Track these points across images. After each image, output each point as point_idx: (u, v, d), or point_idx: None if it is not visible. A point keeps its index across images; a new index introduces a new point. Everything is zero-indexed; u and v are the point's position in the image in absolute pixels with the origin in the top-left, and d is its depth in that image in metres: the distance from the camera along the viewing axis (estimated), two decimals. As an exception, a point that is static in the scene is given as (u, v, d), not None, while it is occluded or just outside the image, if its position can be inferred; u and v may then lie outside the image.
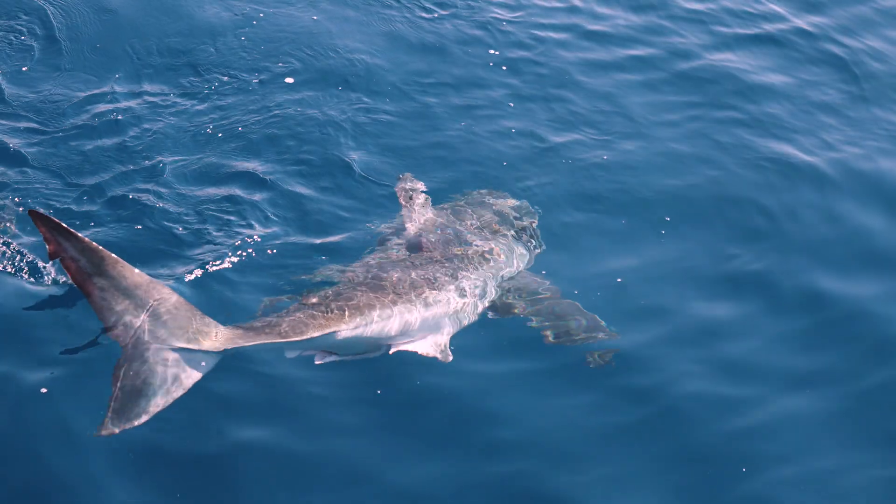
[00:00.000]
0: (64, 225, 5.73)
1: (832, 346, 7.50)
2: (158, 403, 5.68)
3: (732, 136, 10.01)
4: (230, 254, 7.36)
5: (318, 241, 7.73)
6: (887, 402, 7.14)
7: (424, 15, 11.13)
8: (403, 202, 8.10)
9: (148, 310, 5.81)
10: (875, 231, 8.92)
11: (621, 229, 8.46)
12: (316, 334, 6.10)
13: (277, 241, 7.61)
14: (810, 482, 6.52)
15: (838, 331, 7.66)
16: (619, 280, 7.76)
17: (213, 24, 10.39)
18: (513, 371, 6.89)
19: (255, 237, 7.60)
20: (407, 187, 8.31)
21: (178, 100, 9.16)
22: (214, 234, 7.64)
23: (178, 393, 5.75)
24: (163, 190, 7.98)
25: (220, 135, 8.79)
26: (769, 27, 12.16)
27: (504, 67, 10.51)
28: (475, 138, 9.36)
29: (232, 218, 7.80)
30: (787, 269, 8.24)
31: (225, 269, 7.23)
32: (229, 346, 5.86)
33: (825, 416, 6.95)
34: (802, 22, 12.30)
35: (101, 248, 5.79)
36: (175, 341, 5.78)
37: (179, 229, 7.59)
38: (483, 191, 8.40)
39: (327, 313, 6.23)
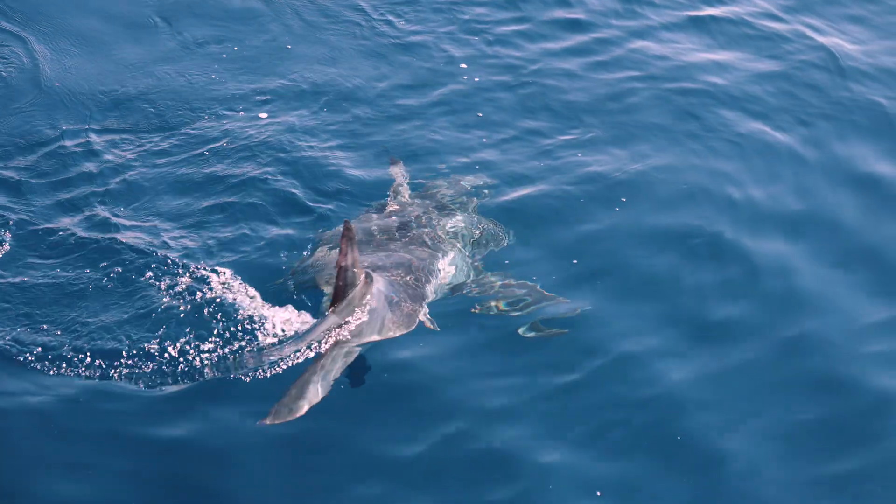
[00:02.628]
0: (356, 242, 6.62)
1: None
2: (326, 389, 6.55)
3: (696, 116, 10.59)
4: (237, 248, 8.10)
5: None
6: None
7: (392, 32, 11.55)
8: (394, 179, 8.98)
9: (358, 308, 6.78)
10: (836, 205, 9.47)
11: (580, 210, 9.03)
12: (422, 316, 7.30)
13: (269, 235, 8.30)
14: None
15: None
16: (574, 262, 8.33)
17: (188, 57, 10.78)
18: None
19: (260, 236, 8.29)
20: (397, 170, 9.14)
21: (159, 131, 9.51)
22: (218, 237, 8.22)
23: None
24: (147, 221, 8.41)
25: (207, 160, 9.16)
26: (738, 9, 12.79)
27: (473, 77, 10.93)
28: (447, 140, 9.90)
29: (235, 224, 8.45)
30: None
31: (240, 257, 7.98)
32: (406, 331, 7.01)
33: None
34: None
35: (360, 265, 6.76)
36: (371, 336, 6.81)
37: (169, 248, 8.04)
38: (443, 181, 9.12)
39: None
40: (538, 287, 7.78)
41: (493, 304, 7.64)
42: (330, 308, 6.81)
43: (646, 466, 6.74)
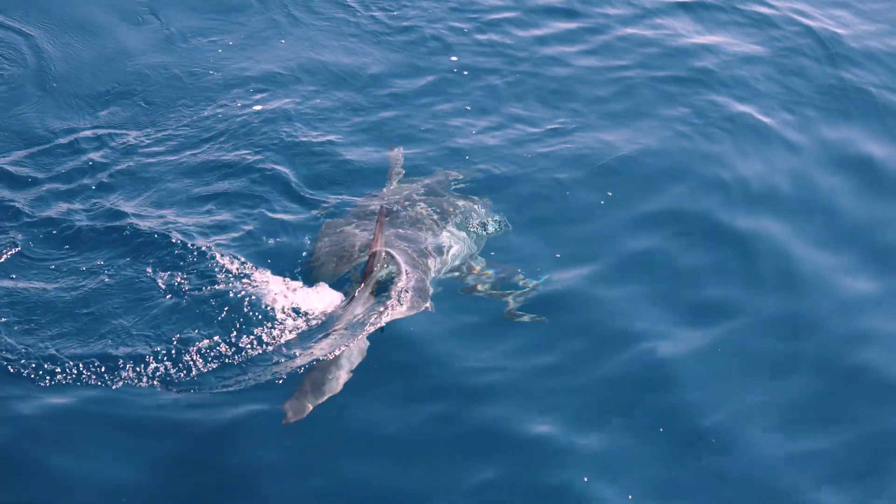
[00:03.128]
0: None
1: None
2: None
3: (674, 100, 10.71)
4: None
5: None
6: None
7: (383, 21, 11.65)
8: (391, 167, 9.19)
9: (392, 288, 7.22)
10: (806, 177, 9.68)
11: (570, 196, 9.15)
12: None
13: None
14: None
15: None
16: (566, 245, 8.47)
17: (182, 50, 10.87)
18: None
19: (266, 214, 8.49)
20: (395, 156, 9.33)
21: (158, 126, 9.60)
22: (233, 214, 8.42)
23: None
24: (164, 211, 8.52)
25: (210, 149, 9.30)
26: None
27: (463, 65, 11.03)
28: (437, 128, 10.02)
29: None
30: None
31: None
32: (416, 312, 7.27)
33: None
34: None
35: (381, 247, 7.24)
36: (392, 317, 7.10)
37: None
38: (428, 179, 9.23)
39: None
40: (519, 275, 7.95)
41: (480, 287, 7.84)
42: (360, 291, 7.04)
43: (633, 443, 6.89)
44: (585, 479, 6.61)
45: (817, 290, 8.28)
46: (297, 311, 7.20)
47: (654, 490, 6.65)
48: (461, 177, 9.16)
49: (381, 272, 7.14)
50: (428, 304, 7.46)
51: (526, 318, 7.63)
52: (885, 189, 9.60)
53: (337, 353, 6.80)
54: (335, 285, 7.47)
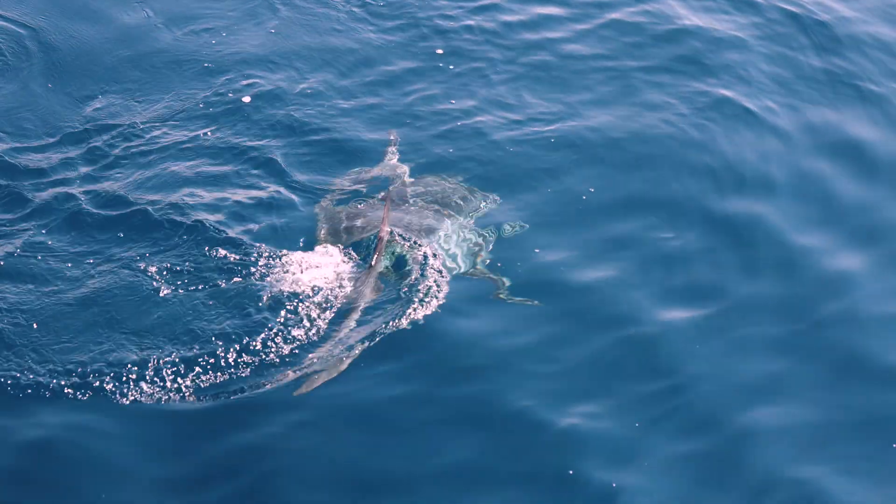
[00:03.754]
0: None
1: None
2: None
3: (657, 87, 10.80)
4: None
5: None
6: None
7: (369, 26, 11.64)
8: (388, 153, 9.29)
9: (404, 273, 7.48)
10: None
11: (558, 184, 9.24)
12: None
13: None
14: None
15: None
16: (536, 251, 8.46)
17: (176, 47, 10.87)
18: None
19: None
20: (391, 139, 9.45)
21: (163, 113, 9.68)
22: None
23: None
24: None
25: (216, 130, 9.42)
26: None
27: (449, 65, 11.06)
28: (422, 126, 10.05)
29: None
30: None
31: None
32: None
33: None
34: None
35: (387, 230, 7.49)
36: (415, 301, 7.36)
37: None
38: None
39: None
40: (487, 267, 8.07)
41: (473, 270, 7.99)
42: (369, 274, 7.25)
43: (621, 424, 7.01)
44: (572, 460, 6.73)
45: (807, 273, 8.41)
46: (304, 293, 7.32)
47: (643, 470, 6.76)
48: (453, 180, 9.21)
49: (388, 256, 7.26)
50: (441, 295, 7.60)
51: (517, 301, 7.70)
52: (873, 172, 9.74)
53: (349, 335, 6.91)
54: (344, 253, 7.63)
